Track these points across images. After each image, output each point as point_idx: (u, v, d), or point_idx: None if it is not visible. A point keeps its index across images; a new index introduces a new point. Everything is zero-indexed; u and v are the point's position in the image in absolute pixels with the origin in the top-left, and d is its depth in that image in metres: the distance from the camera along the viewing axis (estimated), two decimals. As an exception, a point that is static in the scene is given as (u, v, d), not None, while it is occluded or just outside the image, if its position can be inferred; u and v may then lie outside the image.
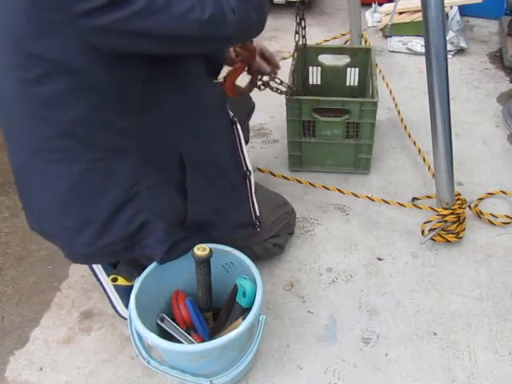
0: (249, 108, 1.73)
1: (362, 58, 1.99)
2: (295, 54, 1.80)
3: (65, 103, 0.97)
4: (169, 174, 1.14)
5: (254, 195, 1.37)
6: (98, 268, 1.28)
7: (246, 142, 1.86)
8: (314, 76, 2.06)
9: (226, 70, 1.30)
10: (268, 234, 1.44)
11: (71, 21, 0.86)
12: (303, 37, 1.79)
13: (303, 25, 1.74)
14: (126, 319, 1.26)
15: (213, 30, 0.95)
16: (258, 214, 1.36)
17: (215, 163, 1.24)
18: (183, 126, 1.13)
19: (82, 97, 0.96)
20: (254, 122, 2.16)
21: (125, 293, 1.23)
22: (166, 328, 1.21)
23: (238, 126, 1.37)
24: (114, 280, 1.23)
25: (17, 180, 1.19)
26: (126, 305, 1.28)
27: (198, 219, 1.20)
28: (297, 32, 1.70)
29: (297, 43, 1.75)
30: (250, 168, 1.37)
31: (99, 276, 1.29)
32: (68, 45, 0.89)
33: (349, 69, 2.03)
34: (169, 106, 1.08)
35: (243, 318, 1.11)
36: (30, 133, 1.04)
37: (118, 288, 1.30)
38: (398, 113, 2.15)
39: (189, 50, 1.02)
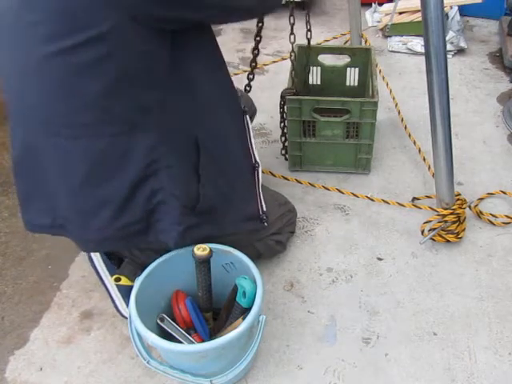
0: (251, 111, 1.74)
1: (362, 57, 1.99)
2: (293, 55, 1.80)
3: (94, 72, 0.98)
4: (185, 155, 1.14)
5: (260, 190, 1.38)
6: (100, 267, 1.28)
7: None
8: (314, 76, 2.06)
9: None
10: (270, 230, 1.44)
11: None
12: (308, 39, 1.81)
13: (308, 27, 1.77)
14: (127, 318, 1.26)
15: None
16: (264, 209, 1.37)
17: (227, 151, 1.25)
18: (200, 110, 1.15)
19: (112, 66, 0.98)
20: (254, 122, 2.15)
21: (127, 293, 1.23)
22: (166, 328, 1.21)
23: (248, 117, 1.39)
24: (118, 280, 1.23)
25: (24, 168, 1.17)
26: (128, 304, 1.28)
27: (209, 204, 1.19)
28: (292, 33, 1.71)
29: (292, 44, 1.76)
30: (259, 160, 1.38)
31: (102, 275, 1.29)
32: (110, 13, 0.92)
33: (349, 69, 2.03)
34: (188, 87, 1.11)
35: (243, 318, 1.11)
36: (53, 108, 1.04)
37: (120, 288, 1.30)
38: (398, 113, 2.15)
39: (219, 18, 1.13)
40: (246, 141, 1.38)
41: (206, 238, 1.21)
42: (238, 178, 1.31)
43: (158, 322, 1.21)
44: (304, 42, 1.89)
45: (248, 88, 1.72)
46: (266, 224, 1.38)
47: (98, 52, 0.96)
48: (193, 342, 1.19)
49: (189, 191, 1.15)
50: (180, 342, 1.19)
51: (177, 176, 1.13)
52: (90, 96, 1.01)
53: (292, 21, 1.65)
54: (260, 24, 1.49)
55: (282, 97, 1.75)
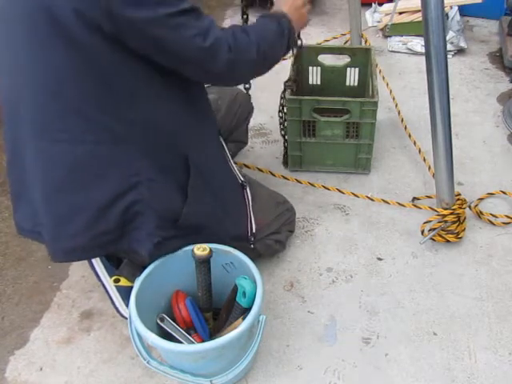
0: (247, 110, 1.74)
1: (362, 57, 1.99)
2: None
3: (76, 78, 1.00)
4: (172, 173, 1.15)
5: (251, 209, 1.38)
6: (100, 269, 1.27)
7: (245, 144, 1.88)
8: (314, 76, 2.06)
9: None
10: (268, 230, 1.45)
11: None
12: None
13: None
14: (127, 319, 1.26)
15: (208, 58, 1.06)
16: (254, 230, 1.37)
17: (218, 171, 1.27)
18: (191, 131, 1.17)
19: (91, 77, 1.00)
20: (254, 122, 2.16)
21: (127, 294, 1.23)
22: (166, 328, 1.21)
23: (222, 139, 1.41)
24: (117, 281, 1.22)
25: (13, 171, 1.18)
26: (128, 305, 1.27)
27: (193, 222, 1.20)
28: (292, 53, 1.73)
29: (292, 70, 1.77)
30: (244, 179, 1.39)
31: (101, 277, 1.28)
32: (86, 21, 0.94)
33: (349, 69, 2.03)
34: (181, 105, 1.13)
35: (243, 318, 1.11)
36: (38, 109, 1.05)
37: (120, 289, 1.29)
38: (399, 113, 2.15)
39: (182, 70, 1.10)
40: (229, 161, 1.40)
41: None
42: (228, 199, 1.31)
43: (158, 322, 1.21)
44: (307, 42, 1.88)
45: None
46: (252, 246, 1.38)
47: (79, 61, 0.98)
48: (193, 342, 1.19)
49: (171, 207, 1.15)
50: (180, 342, 1.19)
51: (159, 190, 1.13)
52: (70, 102, 1.02)
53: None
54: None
55: (282, 98, 1.76)
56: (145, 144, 1.09)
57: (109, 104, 1.04)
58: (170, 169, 1.15)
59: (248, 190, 1.40)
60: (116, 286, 1.28)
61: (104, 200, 1.09)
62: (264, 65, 1.21)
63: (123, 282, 1.22)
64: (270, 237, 1.46)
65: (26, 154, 1.12)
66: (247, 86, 1.69)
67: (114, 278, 1.23)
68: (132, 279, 1.20)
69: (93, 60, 0.99)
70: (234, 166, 1.42)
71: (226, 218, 1.29)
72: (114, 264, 1.28)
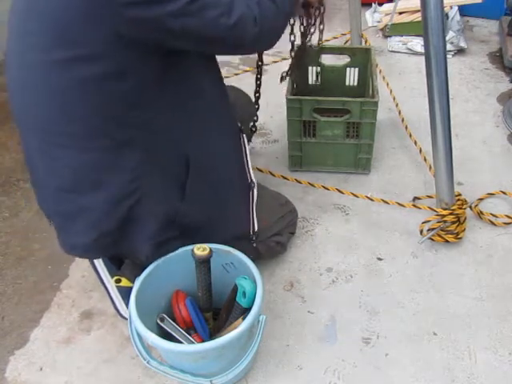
0: (248, 113, 1.74)
1: (362, 57, 1.99)
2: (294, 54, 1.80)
3: (84, 90, 1.00)
4: (171, 173, 1.15)
5: (254, 210, 1.37)
6: (101, 269, 1.28)
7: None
8: (314, 76, 2.05)
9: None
10: (271, 232, 1.45)
11: (112, 7, 0.91)
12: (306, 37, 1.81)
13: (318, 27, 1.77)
14: (127, 320, 1.26)
15: (236, 36, 1.03)
16: (256, 229, 1.37)
17: (221, 170, 1.26)
18: (193, 129, 1.16)
19: (100, 85, 0.99)
20: (254, 122, 2.16)
21: (127, 294, 1.23)
22: (166, 328, 1.21)
23: (244, 136, 1.40)
24: (118, 281, 1.23)
25: (28, 164, 1.21)
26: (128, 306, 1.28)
27: (191, 222, 1.20)
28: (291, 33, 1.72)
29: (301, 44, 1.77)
30: (254, 180, 1.38)
31: (102, 277, 1.29)
32: (100, 31, 0.93)
33: (349, 69, 2.03)
34: (180, 105, 1.12)
35: (243, 318, 1.11)
36: (45, 116, 1.06)
37: (120, 289, 1.30)
38: (399, 113, 2.15)
39: (209, 51, 1.10)
40: (242, 160, 1.39)
41: None
42: (231, 198, 1.31)
43: (158, 322, 1.21)
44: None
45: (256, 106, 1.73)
46: (254, 245, 1.38)
47: (86, 71, 0.97)
48: (193, 342, 1.19)
49: (169, 207, 1.16)
50: (180, 342, 1.19)
51: (159, 193, 1.13)
52: (75, 111, 1.03)
53: (292, 21, 1.65)
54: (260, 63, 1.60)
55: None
56: (148, 148, 1.09)
57: (111, 111, 1.03)
58: (171, 170, 1.15)
59: (255, 190, 1.39)
60: (117, 287, 1.28)
61: (106, 203, 1.10)
62: (286, 24, 1.19)
63: (124, 282, 1.22)
64: (272, 238, 1.46)
65: (35, 153, 1.13)
66: (255, 118, 1.69)
67: (115, 278, 1.23)
68: (133, 280, 1.20)
69: (100, 70, 0.98)
70: (248, 162, 1.40)
71: (227, 217, 1.28)
72: (116, 264, 1.28)
